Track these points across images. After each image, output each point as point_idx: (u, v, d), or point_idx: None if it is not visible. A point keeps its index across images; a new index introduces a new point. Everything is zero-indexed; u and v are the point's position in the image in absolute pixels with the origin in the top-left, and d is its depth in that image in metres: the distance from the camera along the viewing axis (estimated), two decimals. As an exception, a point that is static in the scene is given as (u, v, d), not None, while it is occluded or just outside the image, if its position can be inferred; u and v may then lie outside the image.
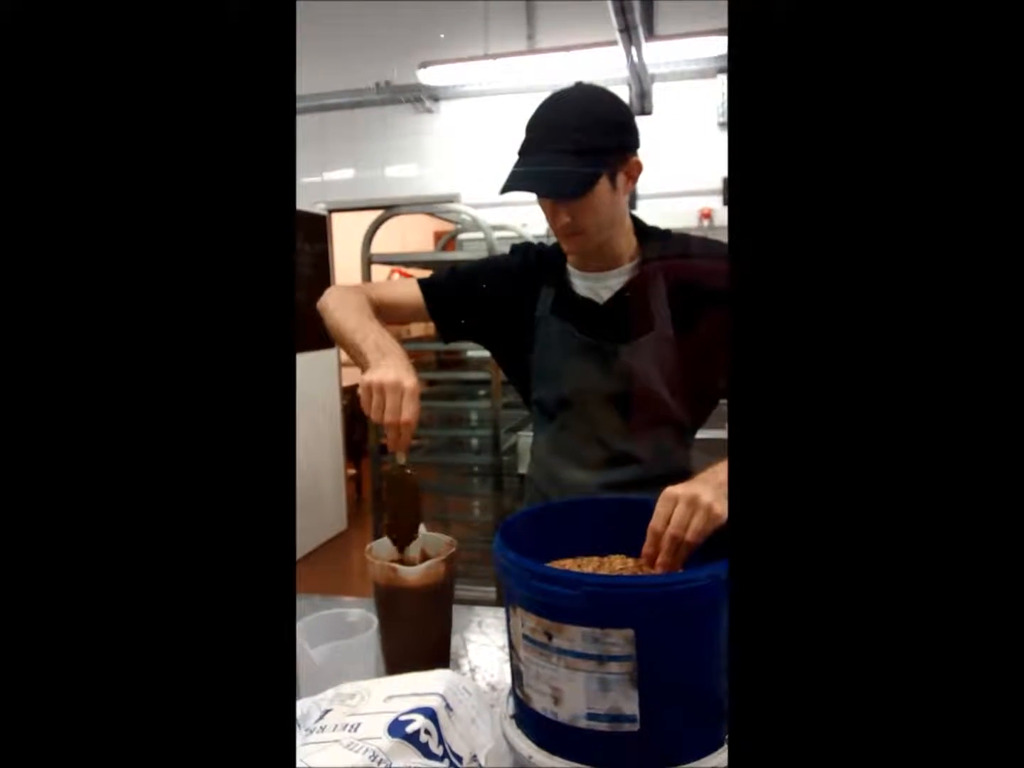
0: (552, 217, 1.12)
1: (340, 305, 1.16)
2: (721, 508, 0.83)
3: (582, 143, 1.04)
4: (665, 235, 1.23)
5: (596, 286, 1.20)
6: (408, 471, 1.02)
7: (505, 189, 1.06)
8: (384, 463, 2.74)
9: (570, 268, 1.22)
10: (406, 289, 1.26)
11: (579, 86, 1.13)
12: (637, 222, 1.22)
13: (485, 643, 1.13)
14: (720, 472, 0.90)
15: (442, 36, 4.26)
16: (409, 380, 0.95)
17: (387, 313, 1.22)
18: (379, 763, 0.64)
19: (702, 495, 0.83)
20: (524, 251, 1.29)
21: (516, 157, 1.10)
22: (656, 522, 0.84)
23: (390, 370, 0.95)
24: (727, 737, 0.75)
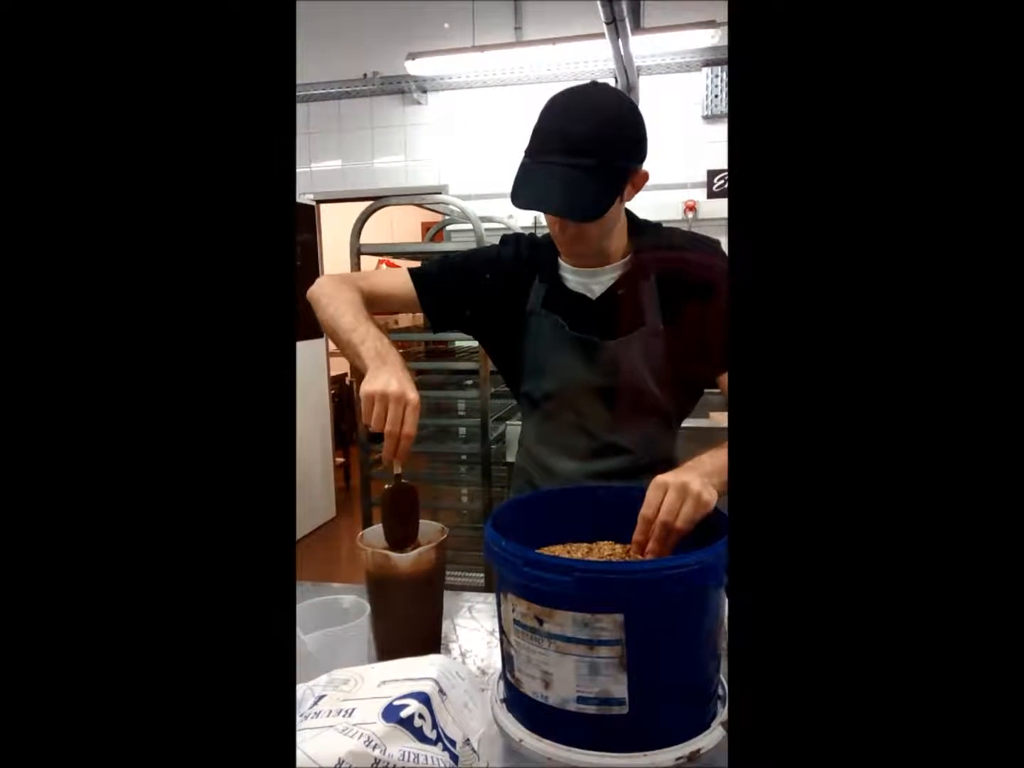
0: (559, 229, 1.12)
1: (333, 300, 1.14)
2: (709, 496, 0.84)
3: (600, 166, 1.02)
4: (655, 229, 1.23)
5: (588, 282, 1.20)
6: (408, 485, 1.02)
7: (523, 205, 1.03)
8: (375, 462, 2.75)
9: (562, 263, 1.22)
10: (397, 279, 1.25)
11: (595, 87, 1.09)
12: (630, 217, 1.22)
13: (475, 628, 1.14)
14: (707, 461, 0.91)
15: (447, 26, 4.21)
16: (412, 393, 0.94)
17: (378, 304, 1.21)
18: (374, 748, 0.64)
19: (691, 483, 0.84)
20: (516, 242, 1.28)
21: (523, 157, 1.06)
22: (647, 509, 0.85)
23: (392, 381, 0.95)
24: (720, 719, 0.77)
